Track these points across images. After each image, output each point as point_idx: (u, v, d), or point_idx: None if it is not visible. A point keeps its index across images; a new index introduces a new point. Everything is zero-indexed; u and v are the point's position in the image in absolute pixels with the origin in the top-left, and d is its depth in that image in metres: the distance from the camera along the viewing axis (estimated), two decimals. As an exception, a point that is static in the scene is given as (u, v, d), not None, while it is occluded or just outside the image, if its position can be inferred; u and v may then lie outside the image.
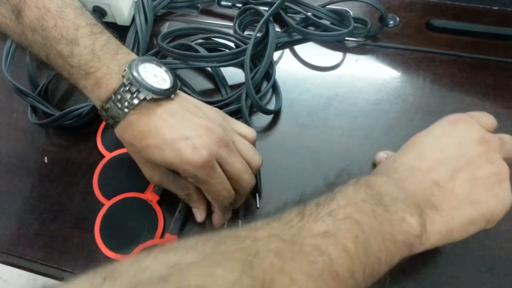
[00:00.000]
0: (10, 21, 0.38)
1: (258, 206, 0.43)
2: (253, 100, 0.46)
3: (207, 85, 0.52)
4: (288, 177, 0.44)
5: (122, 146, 0.45)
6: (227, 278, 0.22)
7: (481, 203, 0.31)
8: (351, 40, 0.54)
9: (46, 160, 0.47)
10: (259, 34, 0.50)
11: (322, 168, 0.44)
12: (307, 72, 0.52)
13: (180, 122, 0.37)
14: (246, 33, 0.54)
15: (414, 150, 0.34)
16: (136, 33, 0.52)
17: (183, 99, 0.39)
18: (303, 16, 0.54)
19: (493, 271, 0.38)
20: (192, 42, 0.53)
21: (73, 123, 0.47)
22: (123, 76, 0.36)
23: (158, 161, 0.36)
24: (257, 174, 0.43)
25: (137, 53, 0.51)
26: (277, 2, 0.51)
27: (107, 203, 0.43)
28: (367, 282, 0.27)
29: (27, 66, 0.50)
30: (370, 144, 0.46)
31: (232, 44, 0.53)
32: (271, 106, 0.49)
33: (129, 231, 0.41)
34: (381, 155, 0.42)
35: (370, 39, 0.54)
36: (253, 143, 0.41)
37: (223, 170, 0.37)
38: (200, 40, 0.54)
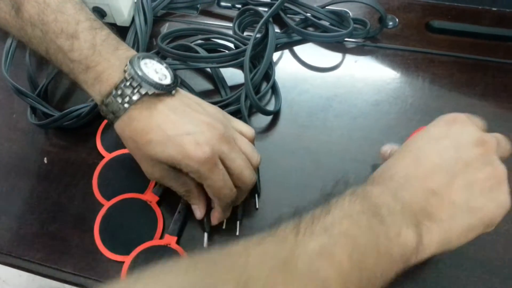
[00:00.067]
0: (10, 16, 0.38)
1: (257, 206, 0.43)
2: (252, 101, 0.46)
3: (206, 85, 0.52)
4: (287, 178, 0.44)
5: (121, 147, 0.46)
6: None
7: (479, 208, 0.30)
8: (350, 41, 0.54)
9: (45, 160, 0.47)
10: (258, 35, 0.50)
11: (322, 168, 0.44)
12: (307, 73, 0.52)
13: (181, 118, 0.37)
14: (245, 34, 0.54)
15: (410, 154, 0.33)
16: (136, 33, 0.52)
17: (184, 96, 0.39)
18: (303, 17, 0.54)
19: (492, 272, 0.38)
20: (191, 43, 0.53)
21: (72, 123, 0.47)
22: (124, 71, 0.36)
23: (160, 156, 0.36)
24: (257, 175, 0.43)
25: (137, 54, 0.51)
26: (277, 3, 0.51)
27: (107, 204, 0.43)
28: None
29: (27, 66, 0.50)
30: (370, 145, 0.46)
31: (231, 45, 0.53)
32: (271, 107, 0.49)
33: (129, 232, 0.41)
34: (386, 148, 0.40)
35: (370, 40, 0.54)
36: (252, 141, 0.42)
37: (225, 166, 0.37)
38: (199, 41, 0.54)
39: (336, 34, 0.53)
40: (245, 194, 0.40)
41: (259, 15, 0.53)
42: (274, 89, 0.50)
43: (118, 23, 0.55)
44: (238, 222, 0.41)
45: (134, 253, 0.40)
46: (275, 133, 0.48)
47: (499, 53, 0.52)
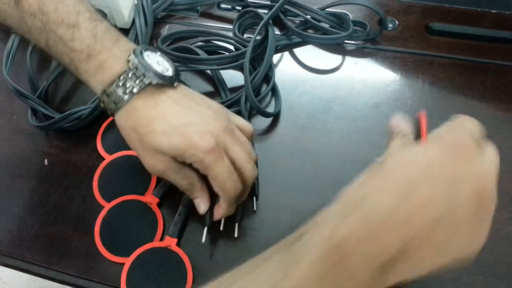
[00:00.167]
0: (9, 6, 0.38)
1: (255, 209, 0.43)
2: (252, 103, 0.46)
3: (206, 87, 0.52)
4: (287, 180, 0.44)
5: (122, 149, 0.46)
6: None
7: (457, 251, 0.26)
8: (350, 43, 0.54)
9: (46, 162, 0.47)
10: (258, 37, 0.50)
11: (321, 170, 0.45)
12: (307, 75, 0.52)
13: (185, 110, 0.37)
14: (245, 36, 0.54)
15: (396, 185, 0.26)
16: (136, 35, 0.52)
17: (186, 90, 0.39)
18: (303, 19, 0.55)
19: (493, 273, 0.38)
20: (192, 44, 0.53)
21: (73, 125, 0.48)
22: (128, 61, 0.36)
23: (164, 146, 0.36)
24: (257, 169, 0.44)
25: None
26: (277, 5, 0.52)
27: (107, 206, 0.43)
28: None
29: (28, 68, 0.50)
30: (369, 147, 0.46)
31: (231, 47, 0.54)
32: (271, 109, 0.49)
33: (129, 234, 0.41)
34: (398, 123, 0.33)
35: (369, 42, 0.54)
36: (251, 137, 0.42)
37: (228, 158, 0.37)
38: (199, 43, 0.54)
39: (336, 36, 0.53)
40: (248, 190, 0.40)
41: (259, 17, 0.53)
42: (274, 91, 0.50)
43: (119, 25, 0.55)
44: (236, 224, 0.41)
45: (134, 255, 0.40)
46: (275, 135, 0.48)
47: (499, 55, 0.52)
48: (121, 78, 0.36)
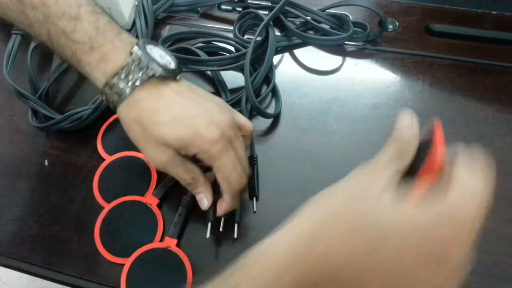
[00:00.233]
0: (10, 0, 0.38)
1: (255, 210, 0.43)
2: (252, 104, 0.46)
3: (207, 88, 0.52)
4: (287, 181, 0.44)
5: (122, 150, 0.46)
6: None
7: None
8: (350, 44, 0.54)
9: (46, 163, 0.47)
10: (259, 38, 0.50)
11: (321, 171, 0.45)
12: (307, 76, 0.52)
13: (189, 102, 0.37)
14: (246, 37, 0.54)
15: (365, 237, 0.23)
16: (137, 36, 0.52)
17: (189, 83, 0.39)
18: (303, 20, 0.55)
19: (493, 274, 0.38)
20: (192, 45, 0.53)
21: (73, 126, 0.48)
22: (131, 53, 0.36)
23: (168, 137, 0.35)
24: (255, 178, 0.44)
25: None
26: (277, 7, 0.52)
27: (107, 206, 0.43)
28: None
29: (28, 69, 0.51)
30: (369, 148, 0.46)
31: (232, 48, 0.54)
32: (271, 110, 0.49)
33: (129, 234, 0.41)
34: (401, 129, 0.28)
35: (370, 43, 0.54)
36: (251, 135, 0.42)
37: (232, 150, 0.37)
38: (200, 44, 0.54)
39: (336, 37, 0.53)
40: (246, 187, 0.40)
41: (259, 18, 0.53)
42: (274, 92, 0.50)
43: (119, 26, 0.55)
44: (236, 225, 0.41)
45: (134, 255, 0.40)
46: (275, 136, 0.48)
47: (499, 57, 0.52)
48: (124, 69, 0.36)
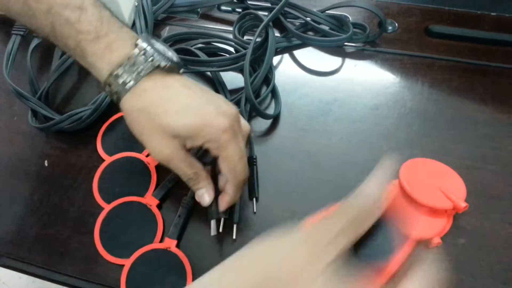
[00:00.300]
0: None
1: (255, 211, 0.43)
2: (252, 105, 0.46)
3: (206, 89, 0.52)
4: (286, 182, 0.44)
5: (122, 150, 0.46)
6: None
7: None
8: (350, 46, 0.55)
9: (46, 163, 0.47)
10: (258, 39, 0.50)
11: (321, 172, 0.45)
12: (306, 77, 0.52)
13: (196, 93, 0.37)
14: (245, 38, 0.55)
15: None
16: (137, 37, 0.52)
17: (191, 79, 0.39)
18: (303, 21, 0.55)
19: (493, 275, 0.38)
20: (192, 46, 0.53)
21: (73, 127, 0.48)
22: (135, 44, 0.36)
23: (178, 126, 0.35)
24: (255, 178, 0.44)
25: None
26: (277, 7, 0.52)
27: (107, 207, 0.43)
28: None
29: (28, 69, 0.51)
30: (369, 149, 0.46)
31: (231, 49, 0.54)
32: (271, 110, 0.49)
33: (129, 235, 0.41)
34: (376, 182, 0.26)
35: (369, 44, 0.54)
36: (248, 136, 0.42)
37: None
38: (200, 45, 0.54)
39: (335, 38, 0.53)
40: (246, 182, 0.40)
41: (259, 19, 0.53)
42: (274, 93, 0.50)
43: (119, 27, 0.55)
44: (234, 226, 0.41)
45: (134, 256, 0.40)
46: (275, 136, 0.48)
47: (498, 58, 0.52)
48: (130, 59, 0.36)
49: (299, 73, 0.53)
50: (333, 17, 0.54)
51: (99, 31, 0.36)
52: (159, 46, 0.38)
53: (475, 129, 0.47)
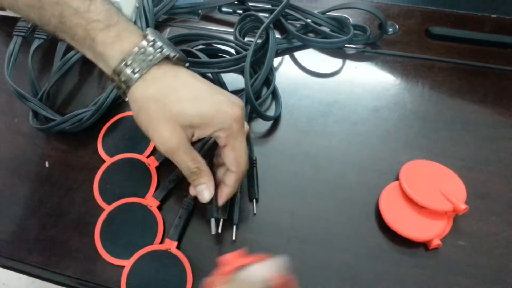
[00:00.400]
0: None
1: (255, 212, 0.43)
2: (252, 106, 0.46)
3: (207, 90, 0.52)
4: (287, 183, 0.44)
5: (123, 151, 0.46)
6: None
7: None
8: (350, 47, 0.55)
9: (47, 164, 0.48)
10: (259, 41, 0.50)
11: (321, 173, 0.45)
12: (307, 78, 0.52)
13: (205, 84, 0.38)
14: (246, 39, 0.55)
15: None
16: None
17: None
18: (303, 23, 0.55)
19: (493, 277, 0.39)
20: (193, 48, 0.53)
21: (74, 128, 0.48)
22: (144, 36, 0.37)
23: (191, 113, 0.35)
24: (255, 180, 0.44)
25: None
26: (277, 9, 0.52)
27: (108, 208, 0.43)
28: None
29: (29, 70, 0.51)
30: (369, 150, 0.46)
31: (232, 50, 0.54)
32: (271, 112, 0.50)
33: (129, 236, 0.41)
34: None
35: (370, 46, 0.54)
36: (247, 135, 0.42)
37: None
38: (201, 46, 0.54)
39: (336, 40, 0.53)
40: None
41: (260, 21, 0.53)
42: (275, 94, 0.50)
43: (120, 28, 0.55)
44: (234, 227, 0.41)
45: (134, 257, 0.40)
46: (275, 138, 0.48)
47: (499, 60, 0.52)
48: (140, 48, 0.36)
49: (300, 74, 0.53)
50: (334, 18, 0.55)
51: (109, 20, 0.36)
52: (166, 40, 0.38)
53: (475, 131, 0.47)
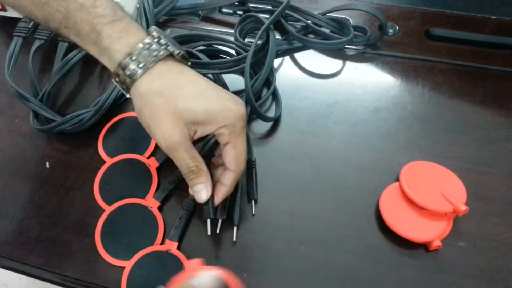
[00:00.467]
0: None
1: (253, 213, 0.43)
2: (252, 107, 0.46)
3: (208, 91, 0.52)
4: (287, 184, 0.44)
5: (123, 152, 0.46)
6: None
7: None
8: (350, 48, 0.55)
9: (47, 165, 0.48)
10: (259, 42, 0.51)
11: (321, 175, 0.45)
12: (307, 79, 0.53)
13: (209, 82, 0.38)
14: (246, 40, 0.55)
15: None
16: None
17: None
18: (303, 24, 0.55)
19: (491, 278, 0.39)
20: (193, 48, 0.53)
21: (74, 128, 0.48)
22: (149, 33, 0.37)
23: (197, 109, 0.36)
24: (253, 181, 0.44)
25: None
26: (278, 10, 0.52)
27: (108, 209, 0.43)
28: None
29: (30, 71, 0.51)
30: (369, 151, 0.46)
31: (233, 51, 0.54)
32: (271, 113, 0.50)
33: (130, 237, 0.41)
34: None
35: (370, 47, 0.55)
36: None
37: None
38: (201, 47, 0.54)
39: (336, 41, 0.53)
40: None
41: (260, 22, 0.53)
42: (275, 95, 0.50)
43: (121, 29, 0.55)
44: (235, 228, 0.41)
45: (135, 258, 0.40)
46: (275, 139, 0.48)
47: (499, 61, 0.52)
48: (146, 43, 0.36)
49: (300, 75, 0.53)
50: (334, 20, 0.55)
51: (114, 15, 0.37)
52: (170, 38, 0.38)
53: (475, 132, 0.47)
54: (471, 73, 0.51)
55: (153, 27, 0.38)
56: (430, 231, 0.40)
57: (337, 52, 0.55)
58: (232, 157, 0.38)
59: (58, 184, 0.46)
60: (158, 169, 0.45)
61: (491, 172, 0.44)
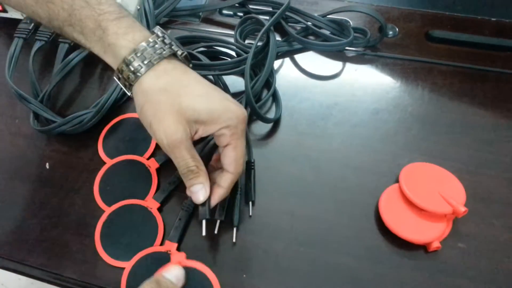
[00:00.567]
0: None
1: (250, 214, 0.43)
2: (252, 109, 0.47)
3: (208, 93, 0.52)
4: (287, 185, 0.44)
5: (123, 153, 0.46)
6: None
7: None
8: (350, 50, 0.55)
9: (47, 166, 0.48)
10: (259, 43, 0.51)
11: (321, 176, 0.45)
12: (307, 81, 0.53)
13: (212, 85, 0.38)
14: (247, 42, 0.55)
15: None
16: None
17: None
18: (304, 26, 0.55)
19: (494, 281, 0.39)
20: (194, 50, 0.53)
21: (75, 129, 0.48)
22: (153, 32, 0.37)
23: (200, 108, 0.36)
24: (252, 182, 0.44)
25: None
26: (278, 12, 0.52)
27: (108, 210, 0.43)
28: None
29: (30, 72, 0.51)
30: (369, 153, 0.46)
31: (233, 53, 0.54)
32: (271, 114, 0.50)
33: (129, 238, 0.41)
34: None
35: (370, 49, 0.55)
36: None
37: None
38: (201, 49, 0.54)
39: (336, 43, 0.53)
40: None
41: (260, 23, 0.53)
42: (275, 97, 0.50)
43: (121, 30, 0.55)
44: (234, 229, 0.41)
45: (134, 259, 0.40)
46: (275, 140, 0.48)
47: (498, 63, 0.52)
48: (151, 41, 0.36)
49: (300, 77, 0.53)
50: (334, 21, 0.55)
51: (120, 12, 0.37)
52: (173, 38, 0.39)
53: (475, 134, 0.47)
54: (471, 75, 0.51)
55: (157, 27, 0.38)
56: (429, 233, 0.40)
57: (337, 54, 0.55)
58: (232, 159, 0.38)
59: (58, 185, 0.46)
60: (158, 170, 0.45)
61: (491, 174, 0.44)
